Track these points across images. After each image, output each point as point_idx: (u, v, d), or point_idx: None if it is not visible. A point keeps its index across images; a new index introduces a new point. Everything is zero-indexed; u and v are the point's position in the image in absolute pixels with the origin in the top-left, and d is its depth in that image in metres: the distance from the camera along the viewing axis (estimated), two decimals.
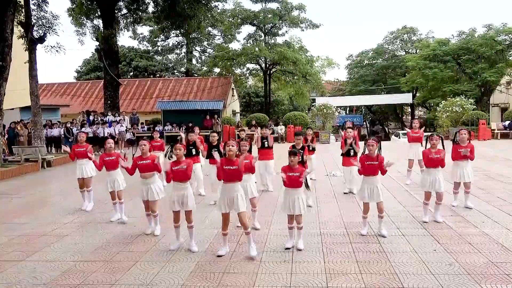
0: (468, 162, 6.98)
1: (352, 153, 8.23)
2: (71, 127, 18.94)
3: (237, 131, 20.69)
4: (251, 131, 19.83)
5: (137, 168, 6.03)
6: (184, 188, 5.31)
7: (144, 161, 5.97)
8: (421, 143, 8.89)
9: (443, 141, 6.26)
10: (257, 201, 6.52)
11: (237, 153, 5.15)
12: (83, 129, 18.38)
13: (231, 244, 5.55)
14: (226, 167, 4.99)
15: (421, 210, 6.75)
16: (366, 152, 5.67)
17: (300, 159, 5.18)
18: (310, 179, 10.09)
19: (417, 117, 40.04)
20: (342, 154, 8.57)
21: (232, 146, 5.03)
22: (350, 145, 8.29)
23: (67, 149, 7.75)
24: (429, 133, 7.40)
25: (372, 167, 5.57)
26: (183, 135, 9.23)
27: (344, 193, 8.58)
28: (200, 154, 8.33)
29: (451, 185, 7.31)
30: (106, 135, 18.10)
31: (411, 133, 9.42)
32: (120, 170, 6.88)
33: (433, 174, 6.22)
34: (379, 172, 5.62)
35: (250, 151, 5.74)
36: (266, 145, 8.75)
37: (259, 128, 9.98)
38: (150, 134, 14.61)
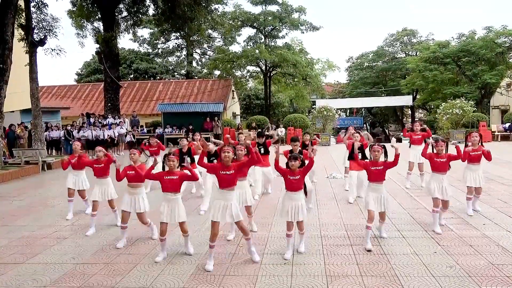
0: (480, 166, 6.88)
1: (360, 157, 7.67)
2: (71, 130, 18.96)
3: (237, 134, 20.65)
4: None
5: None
6: (174, 199, 5.14)
7: (133, 171, 5.73)
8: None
9: (447, 146, 6.25)
10: (253, 209, 6.35)
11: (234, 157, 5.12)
12: (81, 133, 18.40)
13: (231, 246, 5.55)
14: (222, 172, 4.89)
15: (421, 212, 6.74)
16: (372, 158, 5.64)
17: (300, 163, 5.16)
18: (312, 182, 10.06)
19: (417, 119, 40.01)
20: (349, 158, 8.31)
21: (228, 152, 4.93)
22: (358, 148, 7.81)
23: (64, 158, 7.61)
24: (435, 137, 7.33)
25: (378, 172, 5.53)
26: (184, 142, 8.68)
27: (350, 203, 7.96)
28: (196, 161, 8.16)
29: (456, 189, 7.20)
30: (106, 137, 18.13)
31: (413, 136, 9.38)
32: (110, 179, 6.66)
33: (440, 180, 6.04)
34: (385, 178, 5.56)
35: (247, 155, 5.68)
36: (262, 152, 8.45)
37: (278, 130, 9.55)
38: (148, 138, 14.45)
